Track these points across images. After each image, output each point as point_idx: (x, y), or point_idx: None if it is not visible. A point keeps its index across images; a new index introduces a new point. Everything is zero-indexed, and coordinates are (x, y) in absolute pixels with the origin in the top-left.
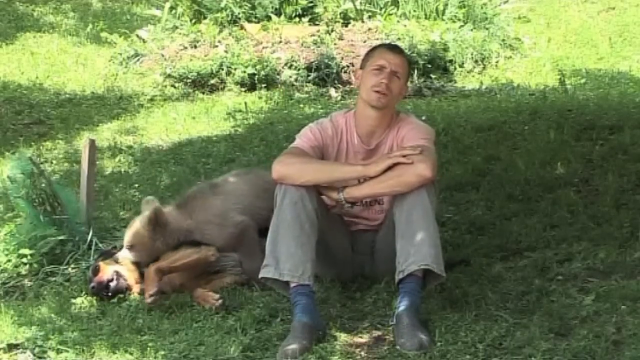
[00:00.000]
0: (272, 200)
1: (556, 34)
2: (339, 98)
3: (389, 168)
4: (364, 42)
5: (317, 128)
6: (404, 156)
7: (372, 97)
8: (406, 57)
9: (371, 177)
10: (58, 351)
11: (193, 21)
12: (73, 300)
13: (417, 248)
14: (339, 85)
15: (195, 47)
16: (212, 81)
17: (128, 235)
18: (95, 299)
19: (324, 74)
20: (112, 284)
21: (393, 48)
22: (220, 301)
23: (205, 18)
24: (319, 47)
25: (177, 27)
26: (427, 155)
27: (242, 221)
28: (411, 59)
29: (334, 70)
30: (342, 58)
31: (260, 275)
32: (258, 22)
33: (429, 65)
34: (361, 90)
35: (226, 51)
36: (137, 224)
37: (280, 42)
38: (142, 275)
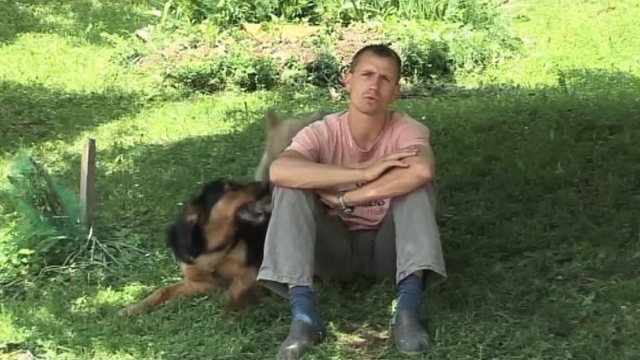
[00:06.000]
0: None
1: (556, 34)
2: (339, 98)
3: (387, 170)
4: (364, 42)
5: (314, 131)
6: (400, 159)
7: (362, 104)
8: (395, 57)
9: (369, 181)
10: (58, 351)
11: (193, 21)
12: (73, 300)
13: (417, 249)
14: (339, 85)
15: (195, 47)
16: (212, 81)
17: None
18: (95, 298)
19: (324, 74)
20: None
21: (380, 51)
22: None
23: (205, 18)
24: (318, 47)
25: (177, 27)
26: (424, 155)
27: None
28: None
29: (334, 70)
30: (342, 58)
31: (258, 278)
32: (258, 22)
33: (429, 65)
34: (352, 95)
35: (226, 51)
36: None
37: (280, 42)
38: None
